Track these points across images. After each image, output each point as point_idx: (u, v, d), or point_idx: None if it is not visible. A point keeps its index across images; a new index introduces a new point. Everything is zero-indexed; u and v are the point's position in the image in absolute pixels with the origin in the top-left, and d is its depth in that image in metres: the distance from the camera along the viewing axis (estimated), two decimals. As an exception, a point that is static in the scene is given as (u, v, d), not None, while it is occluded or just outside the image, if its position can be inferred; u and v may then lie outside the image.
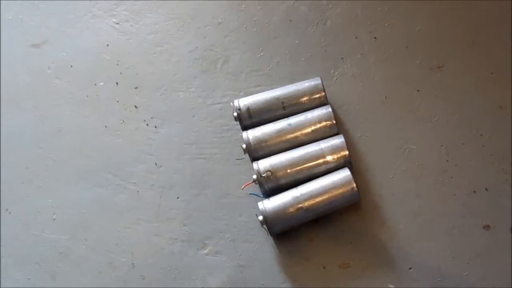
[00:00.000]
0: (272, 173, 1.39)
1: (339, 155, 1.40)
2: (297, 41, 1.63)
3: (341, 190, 1.37)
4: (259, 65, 1.62)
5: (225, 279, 1.41)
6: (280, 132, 1.44)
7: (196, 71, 1.64)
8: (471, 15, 1.59)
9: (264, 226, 1.36)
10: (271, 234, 1.39)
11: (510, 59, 1.52)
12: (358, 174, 1.45)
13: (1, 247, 1.50)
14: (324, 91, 1.48)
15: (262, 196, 1.43)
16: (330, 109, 1.45)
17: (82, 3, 1.77)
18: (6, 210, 1.54)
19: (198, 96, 1.61)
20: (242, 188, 1.45)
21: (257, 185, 1.42)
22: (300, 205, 1.36)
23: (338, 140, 1.42)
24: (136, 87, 1.64)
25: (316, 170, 1.40)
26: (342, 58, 1.59)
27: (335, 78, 1.57)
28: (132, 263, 1.45)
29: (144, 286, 1.42)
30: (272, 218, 1.35)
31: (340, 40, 1.62)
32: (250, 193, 1.45)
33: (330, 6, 1.66)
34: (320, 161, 1.40)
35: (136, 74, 1.66)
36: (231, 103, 1.50)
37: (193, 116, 1.59)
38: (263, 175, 1.39)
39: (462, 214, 1.40)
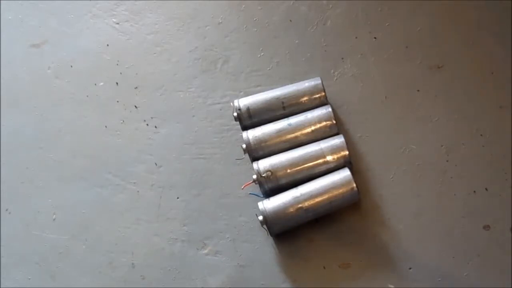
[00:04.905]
0: (272, 173, 1.39)
1: (339, 155, 1.40)
2: (297, 41, 1.63)
3: (341, 190, 1.37)
4: (259, 65, 1.62)
5: (225, 279, 1.41)
6: (280, 132, 1.44)
7: (196, 71, 1.64)
8: (471, 15, 1.60)
9: (264, 226, 1.36)
10: (271, 234, 1.39)
11: (510, 59, 1.52)
12: (358, 174, 1.45)
13: (1, 247, 1.50)
14: (324, 91, 1.48)
15: (262, 196, 1.43)
16: (330, 109, 1.45)
17: (82, 3, 1.77)
18: (6, 210, 1.54)
19: (198, 96, 1.61)
20: (242, 188, 1.45)
21: (257, 185, 1.42)
22: (300, 205, 1.36)
23: (338, 140, 1.42)
24: (136, 87, 1.64)
25: (316, 170, 1.40)
26: (342, 58, 1.59)
27: (335, 78, 1.57)
28: (132, 263, 1.45)
29: (144, 286, 1.42)
30: (272, 218, 1.35)
31: (340, 40, 1.62)
32: (250, 193, 1.45)
33: (330, 6, 1.66)
34: (320, 161, 1.40)
35: (136, 74, 1.66)
36: (231, 103, 1.50)
37: (193, 116, 1.59)
38: (263, 175, 1.39)
39: (462, 214, 1.40)
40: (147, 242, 1.46)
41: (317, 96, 1.48)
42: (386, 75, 1.56)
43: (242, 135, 1.46)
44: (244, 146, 1.44)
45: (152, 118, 1.60)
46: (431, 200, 1.42)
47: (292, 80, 1.55)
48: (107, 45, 1.71)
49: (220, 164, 1.52)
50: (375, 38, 1.60)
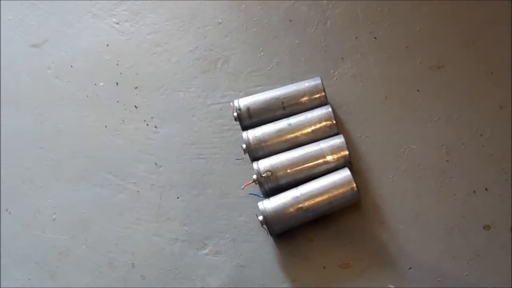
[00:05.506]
0: (272, 173, 1.39)
1: (339, 155, 1.40)
2: (297, 41, 1.63)
3: (341, 190, 1.37)
4: (259, 65, 1.62)
5: (225, 279, 1.41)
6: (280, 132, 1.44)
7: (196, 71, 1.64)
8: (471, 15, 1.59)
9: (264, 226, 1.36)
10: (271, 234, 1.39)
11: (510, 59, 1.52)
12: (358, 174, 1.45)
13: (1, 247, 1.50)
14: (324, 91, 1.48)
15: (262, 196, 1.43)
16: (330, 109, 1.45)
17: (82, 3, 1.77)
18: (6, 210, 1.54)
19: (198, 96, 1.61)
20: (242, 188, 1.45)
21: (257, 185, 1.42)
22: (300, 205, 1.36)
23: (338, 140, 1.42)
24: (136, 87, 1.64)
25: (316, 170, 1.40)
26: (342, 58, 1.59)
27: (335, 78, 1.57)
28: (132, 263, 1.45)
29: (144, 286, 1.42)
30: (272, 218, 1.35)
31: (340, 40, 1.62)
32: (250, 193, 1.45)
33: (330, 6, 1.66)
34: (320, 161, 1.40)
35: (136, 74, 1.66)
36: (231, 103, 1.50)
37: (193, 116, 1.59)
38: (263, 175, 1.39)
39: (462, 214, 1.40)
40: (147, 242, 1.46)
41: (317, 96, 1.48)
42: (386, 75, 1.56)
43: (242, 135, 1.46)
44: (244, 146, 1.44)
45: (152, 118, 1.60)
46: (431, 200, 1.42)
47: (292, 80, 1.55)
48: (107, 45, 1.71)
49: (220, 164, 1.52)
50: (375, 38, 1.60)
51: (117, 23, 1.73)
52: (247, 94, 1.55)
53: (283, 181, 1.40)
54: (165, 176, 1.52)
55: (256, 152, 1.44)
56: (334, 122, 1.44)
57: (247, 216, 1.45)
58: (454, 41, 1.57)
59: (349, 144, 1.44)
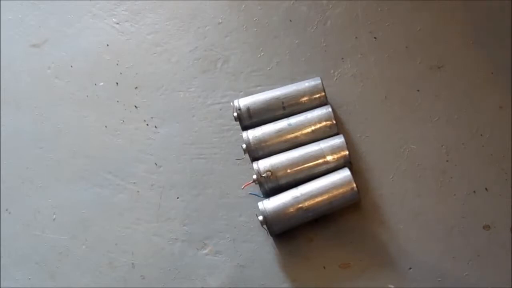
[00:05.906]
0: (272, 173, 1.39)
1: (339, 155, 1.40)
2: (297, 41, 1.63)
3: (341, 190, 1.37)
4: (259, 65, 1.62)
5: (225, 279, 1.41)
6: (280, 132, 1.44)
7: (196, 71, 1.64)
8: (471, 15, 1.59)
9: (264, 226, 1.36)
10: (271, 234, 1.39)
11: (510, 59, 1.52)
12: (358, 174, 1.45)
13: (1, 247, 1.50)
14: (324, 91, 1.48)
15: (262, 196, 1.43)
16: (330, 109, 1.45)
17: (82, 3, 1.77)
18: (6, 210, 1.54)
19: (198, 96, 1.61)
20: (242, 188, 1.45)
21: (257, 185, 1.42)
22: (300, 205, 1.36)
23: (338, 140, 1.42)
24: (136, 87, 1.64)
25: (316, 170, 1.40)
26: (342, 58, 1.59)
27: (335, 78, 1.57)
28: (132, 263, 1.45)
29: (144, 286, 1.42)
30: (272, 218, 1.35)
31: (340, 40, 1.62)
32: (250, 193, 1.45)
33: (330, 6, 1.66)
34: (320, 161, 1.40)
35: (136, 74, 1.66)
36: (231, 103, 1.50)
37: (193, 116, 1.59)
38: (263, 175, 1.39)
39: (462, 214, 1.40)
40: (147, 242, 1.46)
41: (317, 96, 1.48)
42: (386, 75, 1.56)
43: (242, 135, 1.46)
44: (244, 146, 1.44)
45: (152, 118, 1.60)
46: (431, 200, 1.42)
47: (292, 80, 1.55)
48: (107, 45, 1.71)
49: (220, 164, 1.52)
50: (375, 38, 1.60)
51: (117, 23, 1.73)
52: (247, 94, 1.55)
53: (283, 181, 1.40)
54: (165, 176, 1.52)
55: (256, 152, 1.44)
56: (334, 122, 1.44)
57: (247, 216, 1.45)
58: (454, 41, 1.57)
59: (349, 144, 1.44)
